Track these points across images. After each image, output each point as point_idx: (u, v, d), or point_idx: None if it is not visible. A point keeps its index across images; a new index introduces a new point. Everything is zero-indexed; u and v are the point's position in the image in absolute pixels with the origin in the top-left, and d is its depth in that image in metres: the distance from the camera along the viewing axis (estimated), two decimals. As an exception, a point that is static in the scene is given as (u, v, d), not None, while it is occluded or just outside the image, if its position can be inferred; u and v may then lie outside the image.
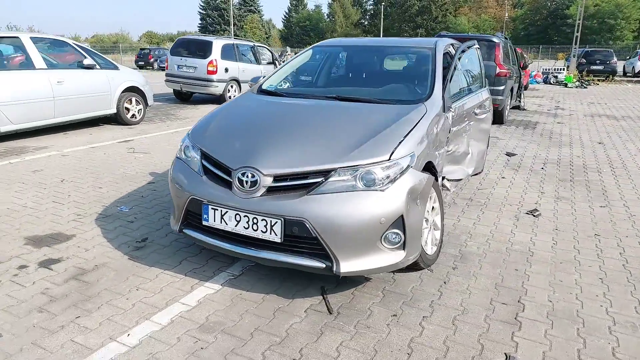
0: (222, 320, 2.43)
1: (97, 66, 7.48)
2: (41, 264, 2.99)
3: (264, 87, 3.91)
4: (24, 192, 4.44)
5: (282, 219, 2.44)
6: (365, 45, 4.54)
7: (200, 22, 74.00)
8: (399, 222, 2.51)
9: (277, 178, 2.51)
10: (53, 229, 3.56)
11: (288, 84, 4.22)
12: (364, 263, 2.48)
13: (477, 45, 4.69)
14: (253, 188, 2.51)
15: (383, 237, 2.50)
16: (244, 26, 70.44)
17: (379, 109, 3.22)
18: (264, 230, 2.49)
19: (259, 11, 76.43)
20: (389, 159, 2.57)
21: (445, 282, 2.86)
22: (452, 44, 4.26)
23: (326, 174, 2.49)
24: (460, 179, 4.16)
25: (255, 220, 2.50)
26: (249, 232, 2.52)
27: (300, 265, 2.49)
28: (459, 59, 3.88)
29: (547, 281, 2.89)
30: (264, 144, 2.74)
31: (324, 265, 2.46)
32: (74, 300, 2.58)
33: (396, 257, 2.56)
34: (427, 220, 2.95)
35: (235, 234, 2.59)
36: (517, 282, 2.87)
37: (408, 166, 2.61)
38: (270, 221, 2.46)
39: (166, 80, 11.78)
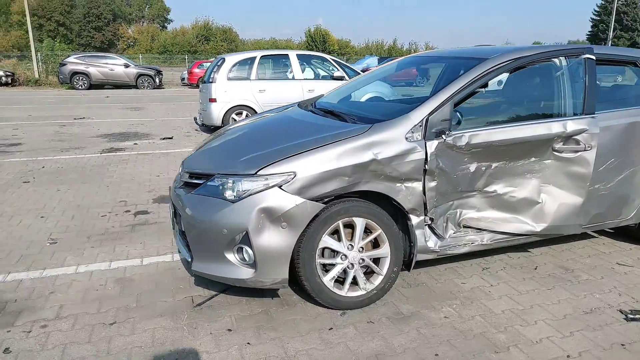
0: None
1: (347, 77, 8.72)
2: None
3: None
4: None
5: (174, 210, 2.81)
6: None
7: (590, 29, 66.62)
8: (246, 239, 2.43)
9: (190, 175, 2.87)
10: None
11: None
12: (213, 268, 2.56)
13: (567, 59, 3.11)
14: (180, 180, 2.96)
15: (235, 249, 2.49)
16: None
17: (329, 126, 2.90)
18: (173, 217, 2.93)
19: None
20: (254, 174, 2.48)
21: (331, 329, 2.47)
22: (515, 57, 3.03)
23: (208, 177, 2.67)
24: (518, 235, 3.03)
25: (173, 207, 2.97)
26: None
27: (182, 253, 2.80)
28: (482, 75, 2.85)
29: None
30: (203, 147, 3.11)
31: (189, 259, 2.69)
32: (111, 236, 3.75)
33: (245, 273, 2.49)
34: (344, 257, 2.62)
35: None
36: None
37: (275, 185, 2.44)
38: (174, 210, 2.88)
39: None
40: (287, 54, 8.88)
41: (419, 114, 2.70)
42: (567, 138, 2.93)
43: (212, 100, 8.20)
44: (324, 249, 2.62)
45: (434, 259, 2.95)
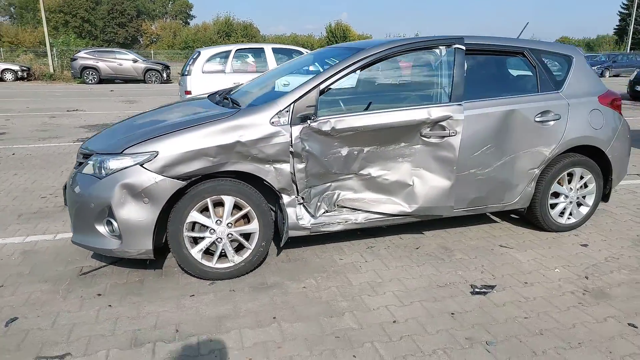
0: (46, 250, 3.36)
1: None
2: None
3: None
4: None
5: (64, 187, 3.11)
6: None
7: (618, 23, 64.51)
8: (111, 212, 2.69)
9: (83, 154, 3.13)
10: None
11: None
12: (87, 240, 2.82)
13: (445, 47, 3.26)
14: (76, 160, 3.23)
15: (105, 221, 2.76)
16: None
17: (208, 111, 3.14)
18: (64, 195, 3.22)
19: None
20: (120, 153, 2.74)
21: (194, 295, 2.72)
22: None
23: (88, 156, 2.94)
24: (392, 215, 3.20)
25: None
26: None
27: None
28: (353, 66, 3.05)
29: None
30: (105, 130, 3.39)
31: (71, 231, 2.97)
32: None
33: (113, 244, 2.75)
34: (213, 231, 2.86)
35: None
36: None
37: (137, 164, 2.69)
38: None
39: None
40: (263, 48, 9.11)
41: (286, 101, 2.91)
42: (434, 124, 3.09)
43: (188, 92, 8.50)
44: (194, 223, 2.86)
45: (334, 237, 3.16)
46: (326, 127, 2.93)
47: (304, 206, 3.04)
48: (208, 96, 3.90)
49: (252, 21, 65.95)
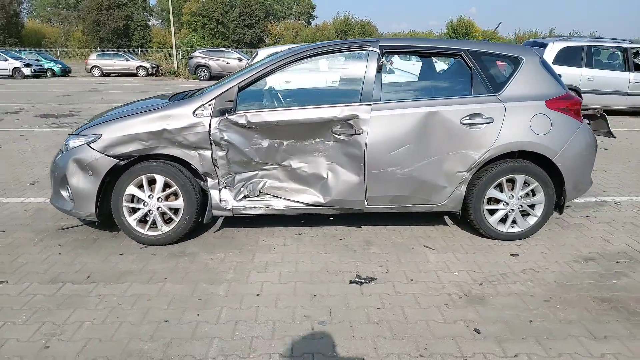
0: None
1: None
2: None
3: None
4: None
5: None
6: None
7: None
8: (66, 180, 3.40)
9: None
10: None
11: None
12: (56, 201, 3.57)
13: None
14: None
15: (66, 187, 3.47)
16: None
17: (157, 104, 3.64)
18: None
19: None
20: (78, 134, 3.43)
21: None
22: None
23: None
24: (310, 205, 3.45)
25: None
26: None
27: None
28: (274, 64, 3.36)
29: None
30: None
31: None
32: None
33: (69, 206, 3.46)
34: (145, 204, 3.44)
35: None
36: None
37: (85, 143, 3.35)
38: None
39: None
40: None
41: (209, 96, 3.37)
42: (343, 122, 3.29)
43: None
44: (132, 196, 3.46)
45: (277, 222, 3.58)
46: (242, 120, 3.31)
47: (228, 189, 3.47)
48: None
49: (369, 19, 66.54)
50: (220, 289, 2.89)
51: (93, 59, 26.04)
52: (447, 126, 3.34)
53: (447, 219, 4.11)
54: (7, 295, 2.77)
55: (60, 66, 26.00)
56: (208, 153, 3.37)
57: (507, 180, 3.50)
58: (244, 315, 2.59)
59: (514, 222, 3.60)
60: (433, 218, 4.07)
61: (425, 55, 3.51)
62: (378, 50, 3.35)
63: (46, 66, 25.04)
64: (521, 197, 3.53)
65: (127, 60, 26.03)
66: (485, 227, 3.57)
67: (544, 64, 3.57)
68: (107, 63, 25.71)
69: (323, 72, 3.81)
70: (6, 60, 22.81)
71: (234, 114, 3.32)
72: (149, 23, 68.27)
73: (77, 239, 3.62)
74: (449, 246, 3.54)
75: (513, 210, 3.55)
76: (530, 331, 2.47)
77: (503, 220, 3.59)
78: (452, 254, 3.40)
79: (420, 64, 3.62)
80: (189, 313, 2.62)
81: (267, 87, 3.66)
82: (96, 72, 25.61)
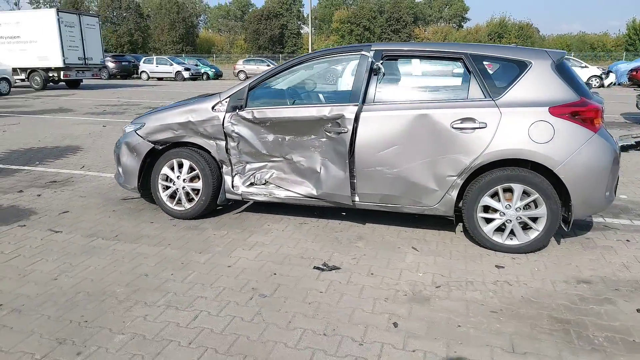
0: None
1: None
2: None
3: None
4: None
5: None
6: None
7: None
8: (119, 159, 4.23)
9: None
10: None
11: None
12: (116, 175, 4.44)
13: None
14: None
15: (120, 164, 4.31)
16: None
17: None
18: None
19: None
20: (131, 123, 4.24)
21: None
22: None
23: None
24: (306, 196, 3.72)
25: None
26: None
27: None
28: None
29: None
30: None
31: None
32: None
33: (121, 179, 4.29)
34: (174, 183, 4.11)
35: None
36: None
37: (132, 131, 4.13)
38: None
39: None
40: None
41: (225, 94, 3.89)
42: (332, 121, 3.51)
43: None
44: (166, 176, 4.15)
45: (290, 211, 4.03)
46: (249, 116, 3.76)
47: (239, 176, 3.95)
48: None
49: (529, 20, 61.68)
50: (203, 257, 3.36)
51: (240, 65, 29.19)
52: (437, 129, 3.34)
53: (459, 226, 4.01)
54: (54, 241, 3.63)
55: (214, 70, 29.67)
56: (223, 143, 3.88)
57: (505, 190, 3.34)
58: (206, 279, 3.03)
59: (513, 234, 3.41)
60: (445, 223, 4.01)
61: (424, 59, 3.54)
62: (369, 54, 3.49)
63: (202, 70, 28.80)
64: (520, 208, 3.34)
65: (268, 65, 28.52)
66: (479, 236, 3.46)
67: (559, 68, 3.31)
68: (251, 68, 28.55)
69: (326, 75, 4.06)
70: (171, 65, 26.99)
71: (243, 110, 3.79)
72: (302, 31, 73.06)
73: (129, 207, 4.45)
74: (437, 250, 3.50)
75: (510, 221, 3.37)
76: (448, 334, 2.45)
77: (501, 230, 3.43)
78: (434, 258, 3.37)
79: (420, 67, 3.63)
80: (166, 272, 3.14)
81: (274, 88, 4.04)
82: (242, 75, 28.61)
